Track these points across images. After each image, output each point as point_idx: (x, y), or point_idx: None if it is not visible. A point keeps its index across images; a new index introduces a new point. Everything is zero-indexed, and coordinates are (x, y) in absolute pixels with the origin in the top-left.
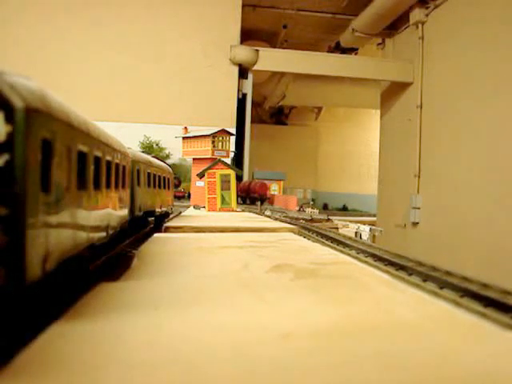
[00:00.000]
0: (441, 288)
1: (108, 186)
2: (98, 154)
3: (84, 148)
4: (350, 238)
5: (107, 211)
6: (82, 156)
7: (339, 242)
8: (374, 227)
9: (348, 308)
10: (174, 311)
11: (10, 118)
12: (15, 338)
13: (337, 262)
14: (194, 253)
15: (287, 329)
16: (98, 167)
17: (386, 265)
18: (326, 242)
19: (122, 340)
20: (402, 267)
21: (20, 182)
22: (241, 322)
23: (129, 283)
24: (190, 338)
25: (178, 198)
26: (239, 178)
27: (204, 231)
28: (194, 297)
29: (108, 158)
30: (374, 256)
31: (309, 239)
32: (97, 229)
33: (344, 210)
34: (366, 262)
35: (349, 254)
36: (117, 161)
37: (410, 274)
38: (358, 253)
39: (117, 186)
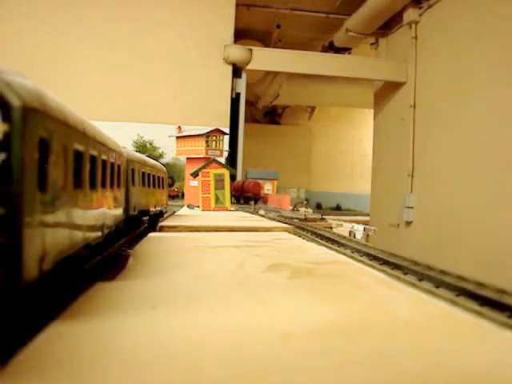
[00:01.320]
0: (436, 287)
1: (103, 185)
2: (94, 153)
3: (80, 147)
4: (344, 238)
5: (102, 210)
6: (78, 155)
7: (334, 242)
8: (367, 227)
9: (345, 307)
10: (171, 311)
11: (6, 117)
12: (13, 338)
13: (333, 261)
14: (189, 252)
15: (285, 329)
16: (93, 166)
17: (381, 264)
18: (321, 241)
19: (119, 340)
20: (397, 266)
21: (17, 182)
22: (239, 321)
23: (125, 283)
24: (188, 338)
25: (171, 197)
26: (233, 178)
27: (199, 230)
28: (190, 296)
29: (103, 157)
30: (368, 255)
31: (304, 239)
32: (92, 228)
33: (337, 209)
34: (361, 262)
35: (344, 254)
36: (112, 160)
37: (406, 273)
38: (352, 252)
39: (112, 186)
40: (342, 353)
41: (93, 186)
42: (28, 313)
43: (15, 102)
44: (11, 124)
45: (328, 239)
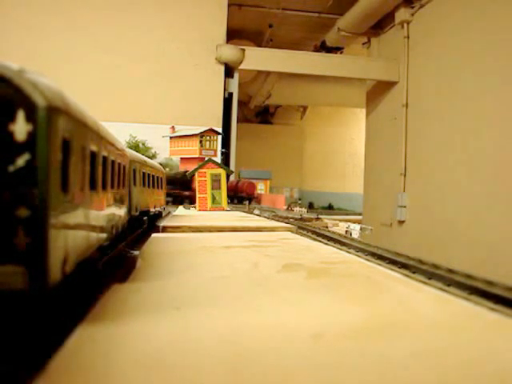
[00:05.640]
0: (448, 285)
1: (112, 186)
2: (105, 153)
3: (95, 148)
4: (346, 237)
5: (112, 211)
6: (93, 156)
7: (336, 241)
8: (364, 226)
9: (372, 307)
10: (196, 312)
11: (31, 117)
12: (45, 340)
13: (345, 261)
14: (199, 253)
15: (316, 329)
16: (104, 167)
17: (387, 263)
18: (323, 240)
19: (151, 342)
20: (403, 265)
21: (42, 182)
22: (268, 322)
23: (142, 284)
24: (221, 340)
25: None
26: (227, 178)
27: (202, 231)
28: (212, 297)
29: (112, 157)
30: (373, 254)
31: (308, 238)
32: (105, 229)
33: (329, 208)
34: (367, 261)
35: (349, 253)
36: (119, 161)
37: (414, 272)
38: (357, 251)
39: (119, 187)
40: (382, 353)
41: (104, 186)
42: (55, 315)
43: (41, 101)
44: (36, 124)
45: (331, 239)
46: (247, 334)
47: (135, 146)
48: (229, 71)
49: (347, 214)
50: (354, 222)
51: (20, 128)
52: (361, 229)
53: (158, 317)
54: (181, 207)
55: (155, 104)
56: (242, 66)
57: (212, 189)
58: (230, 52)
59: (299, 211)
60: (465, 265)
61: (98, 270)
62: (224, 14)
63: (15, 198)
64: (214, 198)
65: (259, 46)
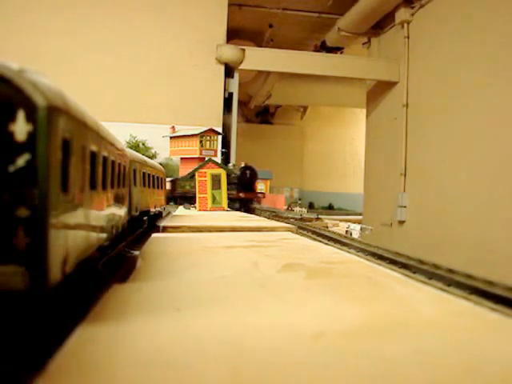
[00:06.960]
0: (448, 285)
1: (112, 186)
2: (105, 153)
3: (95, 148)
4: (346, 237)
5: (112, 211)
6: (93, 156)
7: (337, 241)
8: (364, 226)
9: (372, 307)
10: (197, 313)
11: (31, 117)
12: (44, 341)
13: (345, 261)
14: (199, 253)
15: (316, 329)
16: (105, 167)
17: (388, 263)
18: (323, 240)
19: (149, 341)
20: (404, 265)
21: (42, 182)
22: (268, 322)
23: (142, 284)
24: (221, 340)
25: None
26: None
27: (202, 231)
28: (213, 298)
29: (112, 157)
30: (373, 254)
31: (308, 238)
32: (105, 229)
33: (330, 208)
34: (368, 261)
35: (349, 253)
36: (119, 161)
37: (415, 272)
38: (357, 251)
39: (119, 187)
40: (382, 352)
41: (104, 187)
42: (55, 315)
43: (41, 101)
44: (36, 124)
45: (331, 239)
46: (248, 333)
47: (135, 146)
48: (229, 71)
49: (347, 214)
50: (355, 222)
51: (20, 128)
52: (361, 229)
53: (158, 317)
54: (181, 207)
55: (155, 104)
56: (242, 66)
57: (212, 189)
58: (230, 52)
59: (299, 211)
60: (465, 265)
61: (98, 270)
62: (224, 14)
63: (15, 197)
64: (214, 198)
65: (259, 46)
